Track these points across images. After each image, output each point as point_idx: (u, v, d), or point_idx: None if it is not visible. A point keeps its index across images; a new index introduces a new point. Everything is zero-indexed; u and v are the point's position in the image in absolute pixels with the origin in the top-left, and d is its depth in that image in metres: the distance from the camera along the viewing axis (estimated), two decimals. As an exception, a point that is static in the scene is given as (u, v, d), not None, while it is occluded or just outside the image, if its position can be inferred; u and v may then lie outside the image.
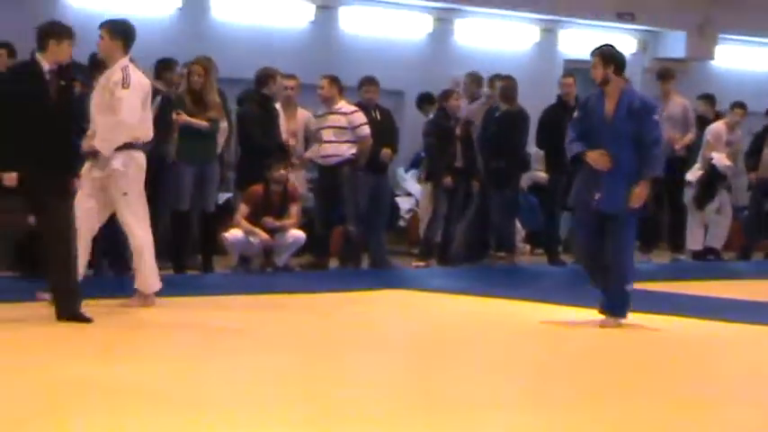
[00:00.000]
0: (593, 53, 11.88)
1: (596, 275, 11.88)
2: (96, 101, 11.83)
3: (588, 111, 12.03)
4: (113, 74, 11.73)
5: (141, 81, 11.89)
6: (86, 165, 11.84)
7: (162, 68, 14.84)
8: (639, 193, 11.73)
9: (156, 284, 12.11)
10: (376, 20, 19.50)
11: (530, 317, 12.56)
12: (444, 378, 9.63)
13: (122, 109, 11.63)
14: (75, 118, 11.48)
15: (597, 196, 11.65)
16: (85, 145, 11.83)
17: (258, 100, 15.78)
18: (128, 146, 11.80)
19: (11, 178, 10.88)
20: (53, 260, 11.15)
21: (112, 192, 11.80)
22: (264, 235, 15.11)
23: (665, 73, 19.11)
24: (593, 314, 12.10)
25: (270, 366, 9.69)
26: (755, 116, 19.57)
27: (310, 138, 16.32)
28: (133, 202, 11.85)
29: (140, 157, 11.92)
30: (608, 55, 11.84)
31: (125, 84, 11.63)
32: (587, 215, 11.91)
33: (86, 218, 11.67)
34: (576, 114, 12.46)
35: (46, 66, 11.06)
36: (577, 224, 12.49)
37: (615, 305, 11.84)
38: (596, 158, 11.72)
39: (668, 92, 18.68)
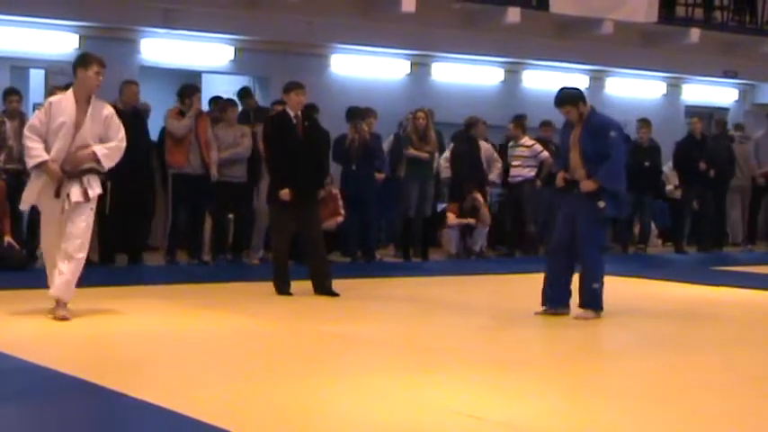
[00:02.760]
0: (564, 102, 9.48)
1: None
2: (87, 129, 8.88)
3: (562, 139, 9.94)
4: (102, 107, 8.96)
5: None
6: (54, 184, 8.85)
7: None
8: (584, 185, 9.38)
9: (68, 295, 8.81)
10: (548, 79, 19.24)
11: (661, 289, 12.31)
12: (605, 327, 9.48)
13: (123, 137, 8.99)
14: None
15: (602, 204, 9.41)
16: (54, 167, 8.80)
17: (466, 138, 15.64)
18: (94, 170, 9.00)
19: (286, 194, 10.69)
20: (311, 251, 10.87)
21: (81, 205, 8.85)
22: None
23: None
24: (710, 290, 11.68)
25: (462, 323, 9.38)
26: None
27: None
28: (90, 216, 8.92)
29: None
30: (577, 97, 9.55)
31: (117, 116, 9.08)
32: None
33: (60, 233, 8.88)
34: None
35: (291, 113, 10.82)
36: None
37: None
38: (558, 178, 9.70)
39: None
